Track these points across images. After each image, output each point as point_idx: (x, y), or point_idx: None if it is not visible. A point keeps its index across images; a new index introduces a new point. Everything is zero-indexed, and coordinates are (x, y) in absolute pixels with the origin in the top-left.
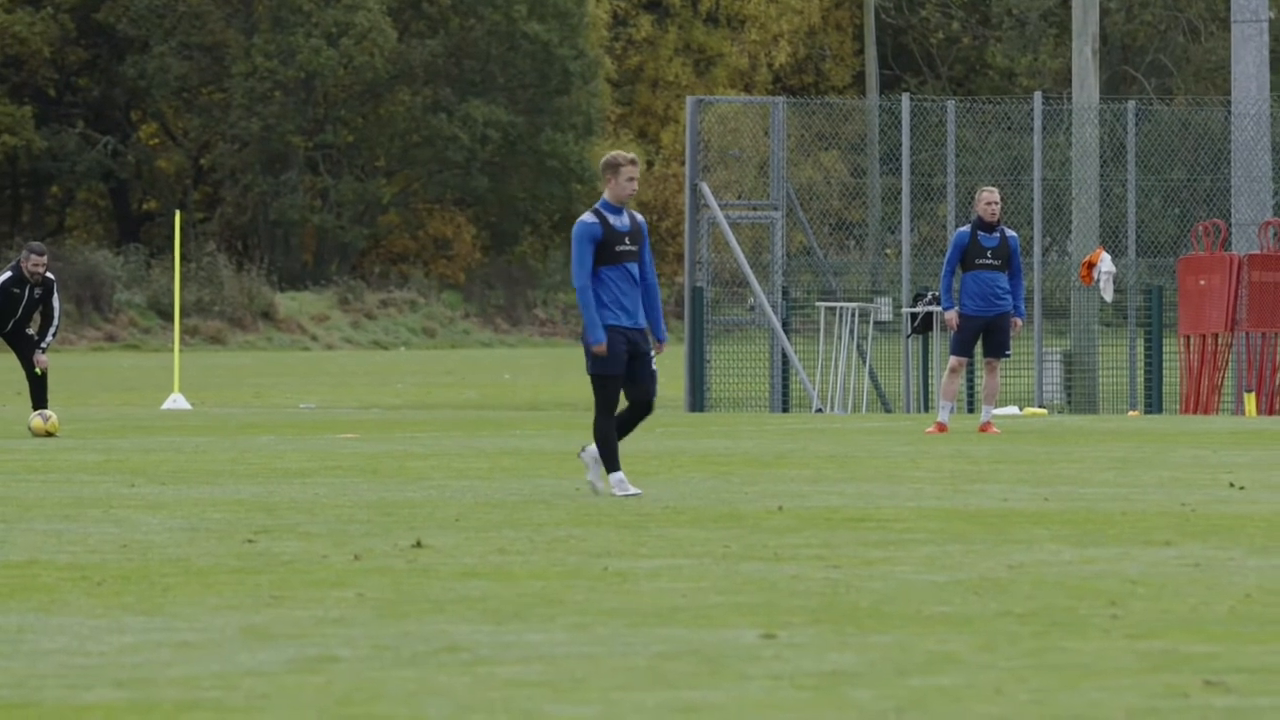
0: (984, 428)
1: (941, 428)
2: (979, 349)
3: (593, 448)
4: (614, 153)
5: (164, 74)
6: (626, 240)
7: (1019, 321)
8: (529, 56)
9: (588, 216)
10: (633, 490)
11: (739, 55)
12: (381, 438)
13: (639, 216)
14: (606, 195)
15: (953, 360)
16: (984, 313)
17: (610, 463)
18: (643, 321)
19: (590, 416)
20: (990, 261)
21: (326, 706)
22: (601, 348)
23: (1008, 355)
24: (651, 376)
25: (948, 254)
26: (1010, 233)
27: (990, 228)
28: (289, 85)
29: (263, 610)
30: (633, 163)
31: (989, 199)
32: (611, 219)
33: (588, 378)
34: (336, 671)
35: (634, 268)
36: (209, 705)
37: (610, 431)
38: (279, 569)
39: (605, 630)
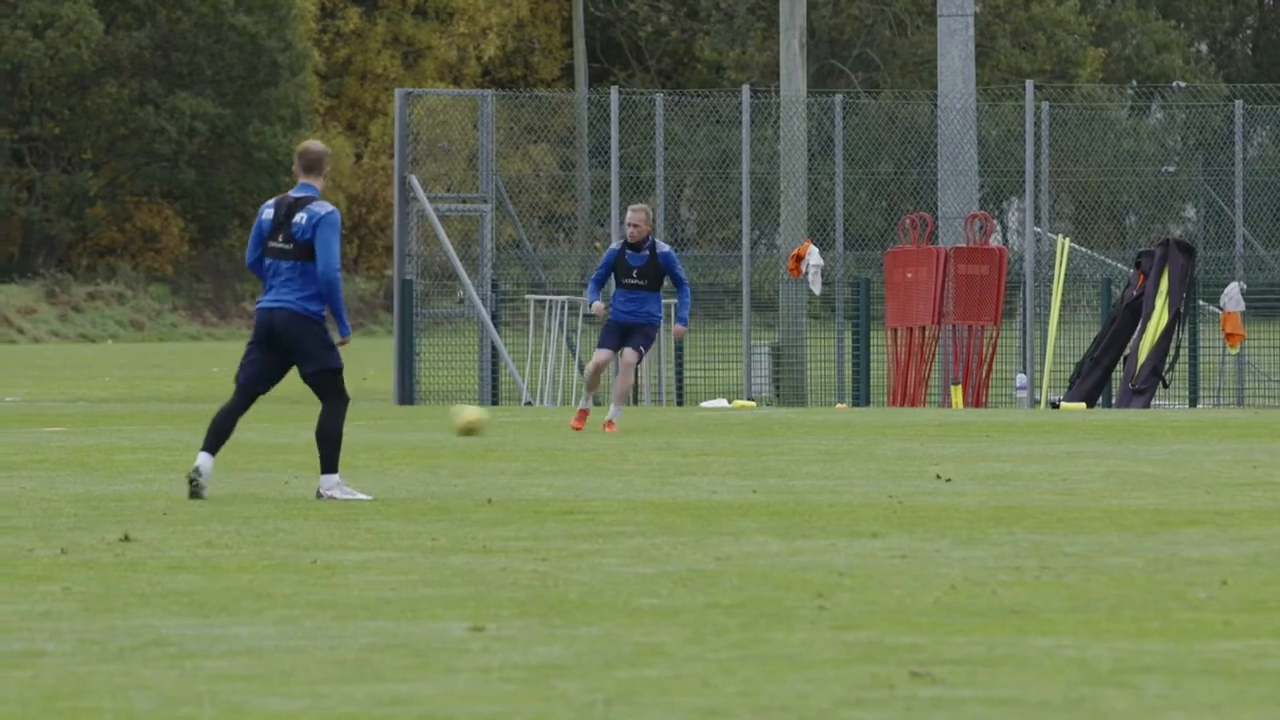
0: (609, 425)
1: (584, 415)
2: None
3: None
4: (321, 144)
5: None
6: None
7: (683, 329)
8: (237, 49)
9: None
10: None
11: (448, 48)
12: (89, 431)
13: (314, 211)
14: (319, 186)
15: (599, 354)
16: (630, 321)
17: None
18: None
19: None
20: (636, 281)
21: (32, 700)
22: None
23: (642, 351)
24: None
25: (599, 266)
26: (662, 248)
27: (636, 247)
28: None
29: None
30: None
31: (629, 219)
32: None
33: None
34: (42, 666)
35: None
36: None
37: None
38: None
39: (313, 623)
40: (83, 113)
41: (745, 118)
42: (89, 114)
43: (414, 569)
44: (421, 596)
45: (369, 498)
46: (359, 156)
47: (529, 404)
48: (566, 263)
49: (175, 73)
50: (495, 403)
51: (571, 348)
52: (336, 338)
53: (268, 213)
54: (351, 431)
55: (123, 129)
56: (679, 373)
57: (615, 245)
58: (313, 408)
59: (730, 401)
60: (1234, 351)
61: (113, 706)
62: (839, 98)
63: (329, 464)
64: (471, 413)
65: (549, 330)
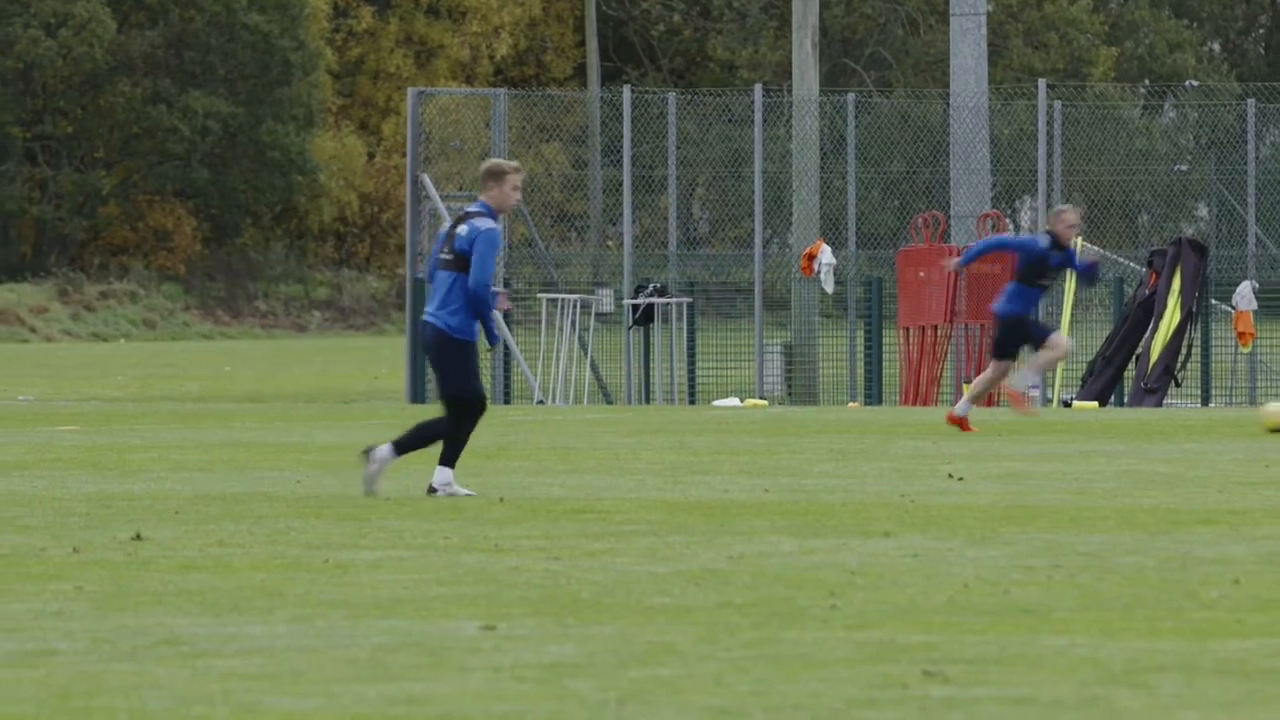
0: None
1: (1022, 399)
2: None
3: (381, 449)
4: (500, 160)
5: None
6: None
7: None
8: (249, 48)
9: (497, 224)
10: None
11: (460, 47)
12: (101, 430)
13: (475, 225)
14: (491, 202)
15: (1002, 367)
16: (1025, 313)
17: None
18: None
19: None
20: (1047, 281)
21: (46, 700)
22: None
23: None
24: None
25: (1015, 246)
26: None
27: (1063, 246)
28: (7, 75)
29: None
30: (518, 170)
31: (1073, 220)
32: None
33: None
34: (55, 665)
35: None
36: None
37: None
38: None
39: (325, 623)
40: (95, 112)
41: (758, 117)
42: (102, 113)
43: (426, 568)
44: (434, 595)
45: (471, 494)
46: (371, 155)
47: (541, 403)
48: (579, 262)
49: (188, 72)
50: (507, 401)
51: (583, 346)
52: (485, 346)
53: (445, 226)
54: (365, 430)
55: (135, 128)
56: (691, 372)
57: (1041, 243)
58: (323, 408)
59: (743, 400)
60: (1246, 350)
61: (126, 705)
62: (851, 96)
63: (447, 458)
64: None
65: (561, 329)
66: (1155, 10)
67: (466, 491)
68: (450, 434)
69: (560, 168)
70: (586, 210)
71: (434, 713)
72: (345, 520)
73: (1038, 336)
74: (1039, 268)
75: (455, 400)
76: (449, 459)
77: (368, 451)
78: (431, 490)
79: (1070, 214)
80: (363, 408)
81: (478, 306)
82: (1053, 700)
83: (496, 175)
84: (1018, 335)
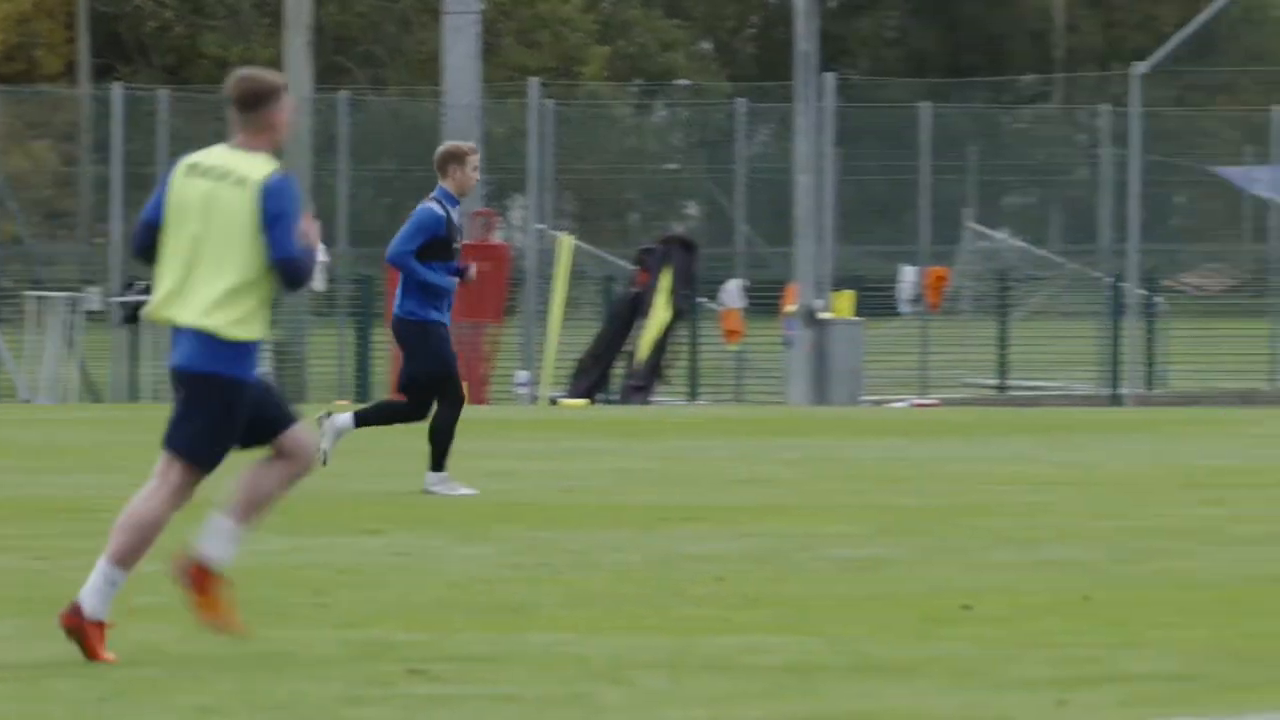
0: None
1: None
2: None
3: (341, 417)
4: (455, 142)
5: None
6: (459, 238)
7: None
8: None
9: (436, 207)
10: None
11: None
12: None
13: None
14: (449, 187)
15: None
16: None
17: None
18: None
19: None
20: None
21: None
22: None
23: None
24: None
25: None
26: None
27: None
28: None
29: None
30: (474, 150)
31: None
32: (453, 213)
33: None
34: None
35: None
36: None
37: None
38: None
39: None
40: None
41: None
42: None
43: None
44: None
45: (473, 492)
46: None
47: (27, 401)
48: (67, 259)
49: None
50: None
51: (71, 344)
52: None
53: None
54: None
55: None
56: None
57: None
58: None
59: None
60: (733, 348)
61: None
62: (344, 95)
63: (434, 462)
64: None
65: (49, 327)
66: (647, 10)
67: (466, 490)
68: (449, 423)
69: (49, 165)
70: (76, 207)
71: None
72: None
73: None
74: None
75: (434, 379)
76: (437, 461)
77: (425, 489)
78: (427, 492)
79: None
80: None
81: (410, 274)
82: (537, 697)
83: (457, 158)
84: None
